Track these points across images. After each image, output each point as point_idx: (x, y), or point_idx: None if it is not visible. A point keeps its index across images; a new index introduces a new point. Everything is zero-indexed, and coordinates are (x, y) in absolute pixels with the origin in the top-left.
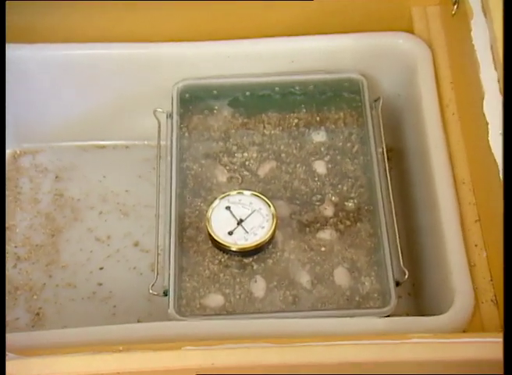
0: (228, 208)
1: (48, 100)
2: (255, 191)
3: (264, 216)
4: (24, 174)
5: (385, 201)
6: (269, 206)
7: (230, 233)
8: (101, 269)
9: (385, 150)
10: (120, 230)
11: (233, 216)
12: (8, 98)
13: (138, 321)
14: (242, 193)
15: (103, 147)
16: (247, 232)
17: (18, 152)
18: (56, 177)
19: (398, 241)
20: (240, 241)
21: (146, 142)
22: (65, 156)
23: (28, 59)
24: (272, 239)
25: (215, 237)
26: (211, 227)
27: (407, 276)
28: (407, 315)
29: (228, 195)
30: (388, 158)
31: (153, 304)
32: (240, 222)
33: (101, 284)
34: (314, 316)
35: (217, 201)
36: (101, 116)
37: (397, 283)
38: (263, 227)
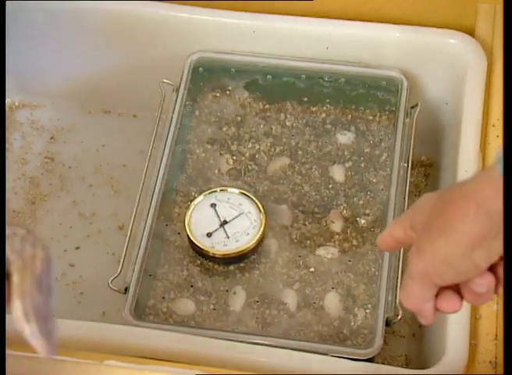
0: (213, 205)
1: (53, 54)
2: (255, 189)
3: (251, 221)
4: (18, 129)
5: None
6: (260, 211)
7: (209, 234)
8: (77, 248)
9: (409, 165)
10: (107, 209)
11: (217, 215)
12: (11, 45)
13: (103, 315)
14: (231, 191)
15: (108, 112)
16: (227, 236)
17: (16, 104)
18: (51, 138)
19: (400, 274)
20: (217, 245)
21: (156, 114)
22: (65, 116)
23: (35, 9)
24: (256, 248)
25: (191, 237)
26: (190, 225)
27: (400, 317)
28: (406, 357)
29: (215, 192)
30: (425, 175)
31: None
32: (223, 223)
33: (72, 266)
34: (288, 345)
35: (201, 197)
36: (110, 79)
37: (388, 323)
38: (247, 234)
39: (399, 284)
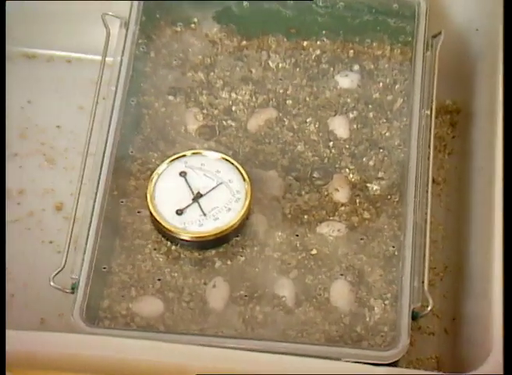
0: (183, 174)
1: None
2: (233, 151)
3: (233, 192)
4: None
5: (419, 190)
6: (244, 179)
7: (179, 212)
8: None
9: (433, 112)
10: (39, 185)
11: (189, 187)
12: None
13: (41, 322)
14: (206, 155)
15: (33, 57)
16: (203, 214)
17: None
18: None
19: (427, 253)
20: (191, 225)
21: (97, 58)
22: None
23: None
24: (240, 228)
25: (156, 216)
26: (154, 202)
27: (430, 308)
28: (437, 360)
29: (185, 156)
30: (451, 124)
31: (69, 299)
32: (196, 197)
33: None
34: (287, 350)
35: (166, 164)
36: (33, 12)
37: (415, 317)
38: (229, 210)
39: (426, 266)
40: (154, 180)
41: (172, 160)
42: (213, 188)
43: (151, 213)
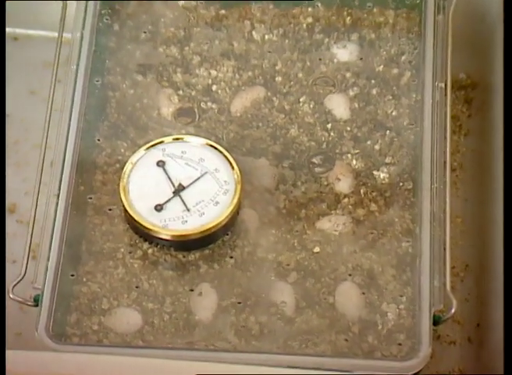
0: (161, 164)
1: None
2: (216, 137)
3: (221, 183)
4: None
5: (436, 175)
6: (232, 168)
7: (159, 208)
8: None
9: (449, 85)
10: None
11: (169, 178)
12: None
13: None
14: (187, 140)
15: None
16: (187, 209)
17: None
18: None
19: (448, 247)
20: (173, 223)
21: (50, 33)
22: None
23: None
24: (231, 224)
25: (131, 213)
26: (128, 196)
27: (454, 310)
28: (460, 373)
29: (163, 143)
30: (466, 101)
31: (27, 314)
32: (178, 189)
33: None
34: (290, 363)
35: (141, 152)
36: None
37: (437, 321)
38: (217, 203)
39: (448, 262)
40: (127, 171)
41: (149, 148)
42: (197, 179)
43: (125, 209)
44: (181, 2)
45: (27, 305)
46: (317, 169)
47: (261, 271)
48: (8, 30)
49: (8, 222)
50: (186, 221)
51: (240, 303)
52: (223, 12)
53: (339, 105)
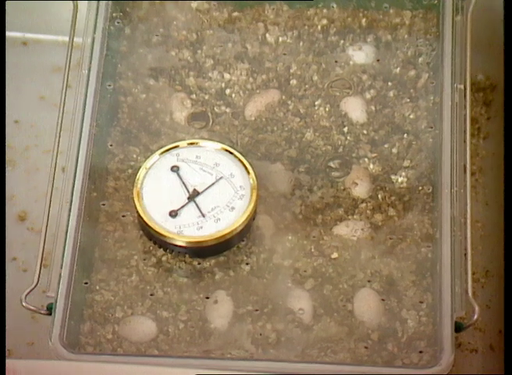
0: (175, 169)
1: None
2: (230, 142)
3: (236, 188)
4: None
5: (456, 179)
6: (248, 173)
7: (173, 214)
8: None
9: (468, 87)
10: None
11: (183, 184)
12: None
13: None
14: (202, 145)
15: None
16: (202, 215)
17: None
18: None
19: (469, 252)
20: (188, 229)
21: (60, 38)
22: None
23: None
24: (247, 230)
25: (145, 219)
26: (142, 202)
27: (476, 316)
28: None
29: (177, 148)
30: (485, 104)
31: (39, 324)
32: (192, 195)
33: None
34: (308, 371)
35: (155, 157)
36: None
37: (459, 328)
38: (232, 209)
39: (469, 267)
40: (141, 177)
41: (163, 152)
42: (212, 184)
43: (139, 215)
44: (194, 5)
45: (41, 313)
46: (333, 174)
47: (277, 278)
48: (17, 34)
49: (19, 230)
50: (202, 227)
51: (256, 311)
52: (236, 14)
53: (355, 108)
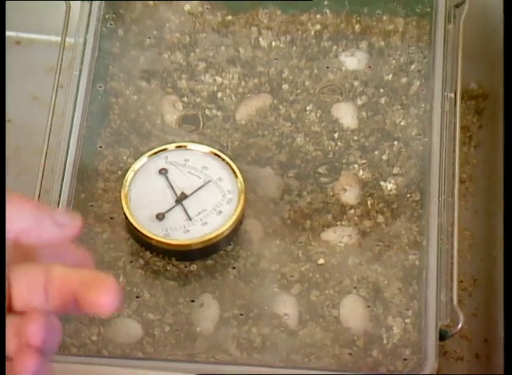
0: (163, 172)
1: None
2: (220, 146)
3: (224, 192)
4: None
5: (443, 187)
6: (236, 177)
7: (160, 217)
8: None
9: (458, 96)
10: None
11: (171, 186)
12: None
13: None
14: (191, 148)
15: None
16: (189, 218)
17: None
18: None
19: (456, 261)
20: (175, 232)
21: (53, 38)
22: None
23: None
24: (234, 234)
25: (132, 222)
26: (129, 204)
27: (461, 325)
28: None
29: (166, 150)
30: (477, 112)
31: None
32: (180, 198)
33: None
34: None
35: (144, 160)
36: None
37: (443, 336)
38: (219, 213)
39: (455, 276)
40: (129, 179)
41: (151, 155)
42: (200, 188)
43: (126, 218)
44: (187, 7)
45: None
46: (323, 179)
47: (264, 282)
48: (10, 33)
49: None
50: (188, 230)
51: (242, 315)
52: (230, 17)
53: (346, 114)
